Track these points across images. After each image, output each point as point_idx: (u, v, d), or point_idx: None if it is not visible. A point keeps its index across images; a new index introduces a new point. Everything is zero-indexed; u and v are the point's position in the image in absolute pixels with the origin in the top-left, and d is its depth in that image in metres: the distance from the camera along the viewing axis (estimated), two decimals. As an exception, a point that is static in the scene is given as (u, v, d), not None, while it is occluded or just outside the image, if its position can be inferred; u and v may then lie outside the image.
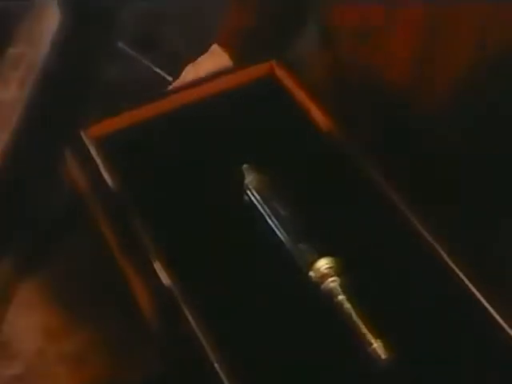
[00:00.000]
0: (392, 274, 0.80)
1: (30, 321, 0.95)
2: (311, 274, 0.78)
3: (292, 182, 0.87)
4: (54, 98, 1.21)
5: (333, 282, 0.77)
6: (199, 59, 1.08)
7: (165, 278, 0.79)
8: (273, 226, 0.84)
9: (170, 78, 1.35)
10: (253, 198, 0.86)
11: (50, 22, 1.31)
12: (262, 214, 0.85)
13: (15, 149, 1.11)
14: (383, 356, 0.73)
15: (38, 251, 1.01)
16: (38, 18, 1.31)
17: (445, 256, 0.81)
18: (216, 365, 0.73)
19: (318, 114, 0.95)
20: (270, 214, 0.84)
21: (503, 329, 0.76)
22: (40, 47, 1.27)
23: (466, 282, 0.79)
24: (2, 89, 1.19)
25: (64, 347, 0.92)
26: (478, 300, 0.78)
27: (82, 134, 0.94)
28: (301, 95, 0.97)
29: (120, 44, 1.55)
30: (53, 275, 0.99)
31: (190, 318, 0.76)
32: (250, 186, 0.87)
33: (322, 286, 0.78)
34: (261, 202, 0.86)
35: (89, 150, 0.92)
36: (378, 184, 0.87)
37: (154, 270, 0.80)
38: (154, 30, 1.63)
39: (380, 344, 0.73)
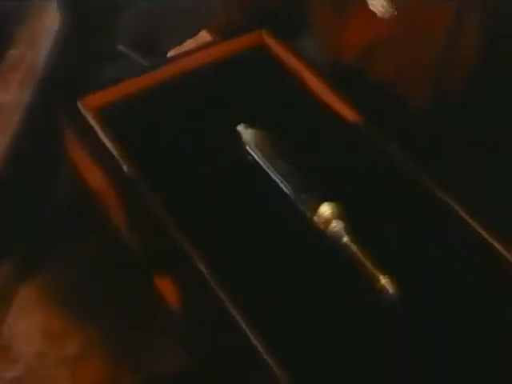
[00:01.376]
0: (393, 216, 0.82)
1: (30, 323, 0.95)
2: (315, 219, 0.80)
3: (287, 139, 0.89)
4: (54, 99, 1.20)
5: (337, 226, 0.79)
6: (185, 43, 1.09)
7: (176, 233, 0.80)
8: (274, 178, 0.85)
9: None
10: (252, 153, 0.88)
11: (49, 23, 1.30)
12: (262, 167, 0.87)
13: (16, 150, 1.10)
14: (391, 291, 0.74)
15: (38, 252, 1.01)
16: (37, 20, 1.31)
17: (446, 197, 0.82)
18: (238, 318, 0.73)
19: (310, 79, 0.97)
20: (269, 166, 0.86)
21: (508, 264, 0.77)
22: (40, 48, 1.27)
23: (469, 221, 0.80)
24: (2, 90, 1.19)
25: (64, 349, 0.92)
26: (483, 238, 0.79)
27: (79, 104, 0.95)
28: (291, 62, 0.99)
29: (120, 47, 1.54)
30: (53, 277, 0.98)
31: (203, 270, 0.77)
32: (247, 143, 0.89)
33: (327, 230, 0.79)
34: (260, 156, 0.87)
35: (86, 119, 0.93)
36: (375, 135, 0.89)
37: (169, 234, 0.81)
38: (154, 31, 1.62)
39: (387, 280, 0.74)
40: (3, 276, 0.99)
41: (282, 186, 0.85)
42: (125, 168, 0.87)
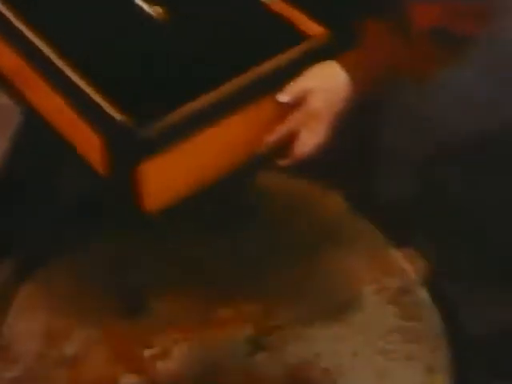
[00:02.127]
0: None
1: (29, 323, 0.95)
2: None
3: None
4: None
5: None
6: None
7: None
8: None
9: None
10: None
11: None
12: None
13: (16, 150, 1.10)
14: (157, 16, 0.87)
15: (38, 252, 1.01)
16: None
17: None
18: None
19: None
20: None
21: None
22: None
23: None
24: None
25: (64, 349, 0.92)
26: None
27: None
28: None
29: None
30: (53, 277, 0.98)
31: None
32: None
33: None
34: None
35: None
36: None
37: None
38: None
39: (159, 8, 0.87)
40: (3, 276, 0.99)
41: None
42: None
